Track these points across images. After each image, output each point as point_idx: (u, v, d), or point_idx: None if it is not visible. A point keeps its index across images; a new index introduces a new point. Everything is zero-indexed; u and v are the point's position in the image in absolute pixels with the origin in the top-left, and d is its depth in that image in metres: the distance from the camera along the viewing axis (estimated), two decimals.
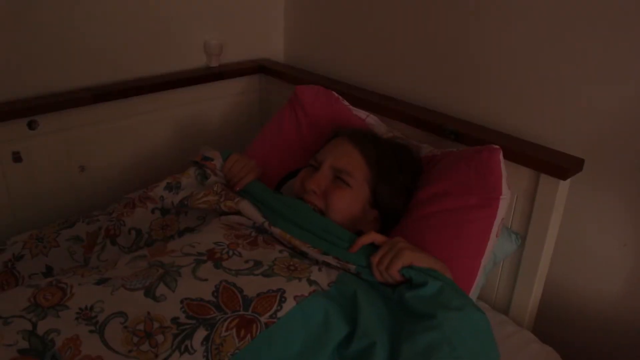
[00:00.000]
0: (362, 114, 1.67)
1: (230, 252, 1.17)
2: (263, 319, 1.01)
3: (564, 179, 1.35)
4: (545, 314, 1.58)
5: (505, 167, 1.31)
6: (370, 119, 1.66)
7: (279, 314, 1.02)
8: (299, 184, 1.39)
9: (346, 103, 1.68)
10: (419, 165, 1.47)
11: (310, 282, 1.11)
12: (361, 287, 1.15)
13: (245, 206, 1.32)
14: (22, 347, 0.92)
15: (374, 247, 1.22)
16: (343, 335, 1.05)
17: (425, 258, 1.18)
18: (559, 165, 1.35)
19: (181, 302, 1.02)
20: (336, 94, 1.70)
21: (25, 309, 0.99)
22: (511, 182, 1.35)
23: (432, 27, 1.71)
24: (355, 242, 1.21)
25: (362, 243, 1.21)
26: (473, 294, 1.36)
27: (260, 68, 2.14)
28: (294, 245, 1.25)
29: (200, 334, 0.97)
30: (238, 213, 1.34)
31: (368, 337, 1.02)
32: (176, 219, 1.43)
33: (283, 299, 1.05)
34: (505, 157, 1.32)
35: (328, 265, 1.22)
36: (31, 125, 1.64)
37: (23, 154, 1.65)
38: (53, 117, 1.68)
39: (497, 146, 1.32)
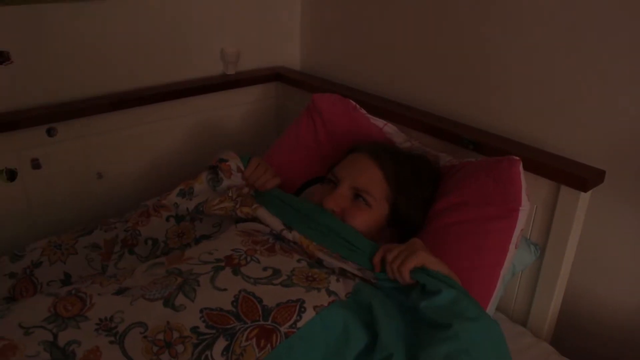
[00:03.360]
0: (379, 122, 1.66)
1: (248, 258, 1.17)
2: (283, 329, 1.01)
3: (585, 190, 1.34)
4: (564, 326, 1.57)
5: (525, 178, 1.30)
6: (388, 128, 1.65)
7: (299, 324, 1.02)
8: (317, 201, 1.37)
9: (363, 111, 1.68)
10: (438, 175, 1.46)
11: (329, 293, 1.11)
12: (376, 297, 1.14)
13: (263, 213, 1.32)
14: (44, 359, 0.92)
15: None
16: (362, 345, 1.04)
17: (438, 262, 1.16)
18: (580, 176, 1.34)
19: (201, 311, 1.02)
20: (353, 102, 1.69)
21: (46, 319, 0.99)
22: (531, 193, 1.34)
23: (451, 36, 1.71)
24: (374, 263, 1.19)
25: (378, 261, 1.19)
26: (492, 304, 1.35)
27: (276, 76, 2.14)
28: (310, 252, 1.24)
29: (221, 344, 0.97)
30: (254, 219, 1.34)
31: (385, 349, 1.02)
32: (192, 226, 1.43)
33: (302, 309, 1.04)
34: (525, 167, 1.32)
35: (344, 274, 1.21)
36: (50, 132, 1.65)
37: (42, 160, 1.67)
38: (71, 124, 1.69)
39: (517, 157, 1.32)
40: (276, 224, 1.30)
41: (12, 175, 1.63)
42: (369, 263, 1.20)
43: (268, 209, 1.33)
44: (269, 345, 0.98)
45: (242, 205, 1.34)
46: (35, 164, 1.66)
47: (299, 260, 1.20)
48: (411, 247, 1.17)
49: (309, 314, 1.04)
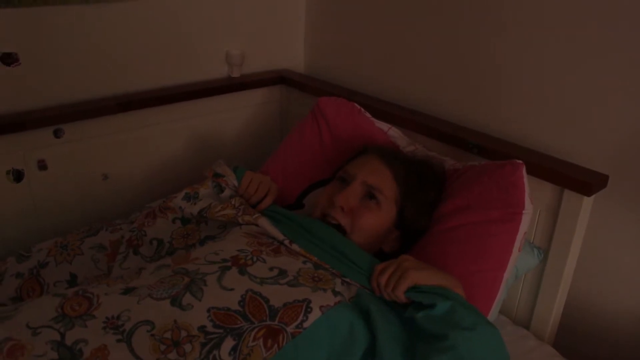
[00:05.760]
0: (384, 126, 1.67)
1: (255, 258, 1.17)
2: (289, 329, 1.01)
3: (589, 195, 1.35)
4: (567, 329, 1.58)
5: (528, 182, 1.31)
6: (392, 131, 1.66)
7: (305, 324, 1.03)
8: (327, 198, 1.38)
9: (368, 115, 1.69)
10: (443, 179, 1.47)
11: (335, 293, 1.11)
12: (375, 304, 1.14)
13: (264, 222, 1.32)
14: (52, 358, 0.92)
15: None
16: (368, 346, 1.05)
17: (432, 275, 1.15)
18: (583, 181, 1.35)
19: (208, 310, 1.02)
20: (358, 106, 1.70)
21: (53, 319, 0.99)
22: (534, 197, 1.35)
23: (456, 40, 1.72)
24: (373, 287, 1.19)
25: (375, 286, 1.18)
26: (495, 307, 1.36)
27: (281, 79, 2.15)
28: (314, 262, 1.24)
29: (228, 344, 0.97)
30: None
31: (380, 354, 1.03)
32: (197, 228, 1.43)
33: (309, 309, 1.05)
34: (529, 172, 1.33)
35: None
36: (57, 134, 1.66)
37: (48, 161, 1.67)
38: (78, 125, 1.70)
39: (520, 161, 1.33)
40: (277, 234, 1.29)
41: (18, 176, 1.64)
42: (368, 283, 1.20)
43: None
44: (275, 346, 0.98)
45: (244, 214, 1.34)
46: (42, 165, 1.66)
47: (304, 262, 1.21)
48: (401, 267, 1.16)
49: (315, 314, 1.04)
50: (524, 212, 1.30)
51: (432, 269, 1.18)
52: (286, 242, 1.27)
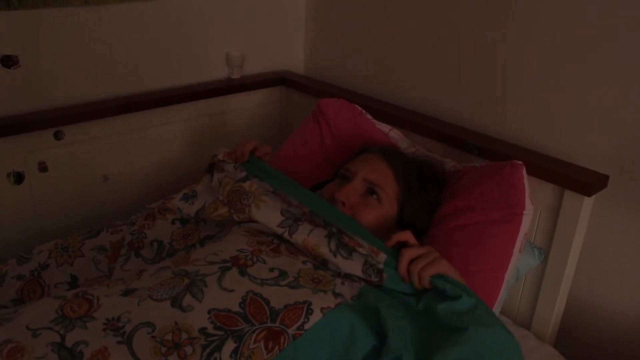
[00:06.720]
0: (384, 127, 1.67)
1: (255, 259, 1.17)
2: (290, 331, 1.01)
3: (589, 195, 1.35)
4: (567, 329, 1.58)
5: (529, 183, 1.31)
6: (393, 133, 1.66)
7: (306, 326, 1.02)
8: (328, 195, 1.37)
9: (369, 116, 1.69)
10: (443, 180, 1.47)
11: (336, 295, 1.11)
12: (383, 301, 1.13)
13: (257, 213, 1.31)
14: None
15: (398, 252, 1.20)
16: (369, 347, 1.05)
17: (455, 273, 1.17)
18: (584, 181, 1.35)
19: (208, 312, 1.02)
20: (359, 107, 1.70)
21: (53, 321, 0.99)
22: (535, 197, 1.35)
23: (456, 42, 1.72)
24: (391, 237, 1.19)
25: (397, 239, 1.19)
26: (496, 308, 1.36)
27: (281, 80, 2.16)
28: (315, 255, 1.24)
29: (229, 346, 0.97)
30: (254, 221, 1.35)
31: (395, 351, 1.02)
32: (196, 228, 1.44)
33: (310, 311, 1.05)
34: (529, 172, 1.33)
35: (349, 277, 1.22)
36: (57, 136, 1.67)
37: (49, 163, 1.68)
38: (79, 127, 1.70)
39: (520, 162, 1.33)
40: (274, 222, 1.29)
41: (19, 178, 1.64)
42: (380, 244, 1.18)
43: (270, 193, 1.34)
44: (276, 348, 0.98)
45: (237, 212, 1.34)
46: (42, 167, 1.67)
47: (304, 262, 1.20)
48: (432, 253, 1.16)
49: (316, 316, 1.04)
50: (524, 212, 1.30)
51: (454, 269, 1.18)
52: (285, 234, 1.27)
